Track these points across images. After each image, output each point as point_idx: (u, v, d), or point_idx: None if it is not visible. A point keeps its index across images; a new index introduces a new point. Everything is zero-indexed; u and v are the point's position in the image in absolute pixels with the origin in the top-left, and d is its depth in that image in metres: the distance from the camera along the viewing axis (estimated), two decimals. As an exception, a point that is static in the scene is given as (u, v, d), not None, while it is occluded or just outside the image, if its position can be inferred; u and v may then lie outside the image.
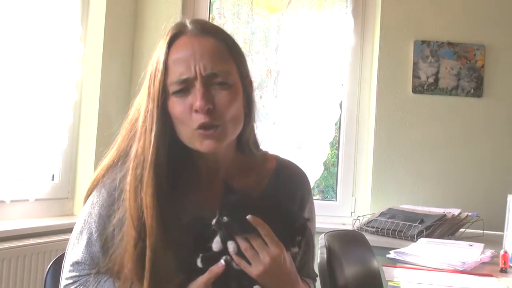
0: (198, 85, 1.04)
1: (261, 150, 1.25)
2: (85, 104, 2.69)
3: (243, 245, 1.01)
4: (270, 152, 1.29)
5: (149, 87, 1.08)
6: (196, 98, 1.04)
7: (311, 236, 1.27)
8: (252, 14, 3.21)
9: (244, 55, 1.16)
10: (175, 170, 1.10)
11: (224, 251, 1.03)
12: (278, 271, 1.03)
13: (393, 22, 2.99)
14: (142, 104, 1.11)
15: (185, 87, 1.06)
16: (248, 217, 0.99)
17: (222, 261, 1.02)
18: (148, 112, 1.07)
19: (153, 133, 1.05)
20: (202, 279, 1.03)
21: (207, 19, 3.12)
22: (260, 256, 1.01)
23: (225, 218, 1.02)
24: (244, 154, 1.19)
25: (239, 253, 1.02)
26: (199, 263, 1.05)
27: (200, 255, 1.05)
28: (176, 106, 1.06)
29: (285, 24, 3.16)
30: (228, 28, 3.16)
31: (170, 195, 1.07)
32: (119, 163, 1.14)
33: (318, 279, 1.63)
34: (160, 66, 1.06)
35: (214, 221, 1.03)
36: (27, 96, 2.30)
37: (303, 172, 1.29)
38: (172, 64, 1.06)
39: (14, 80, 2.24)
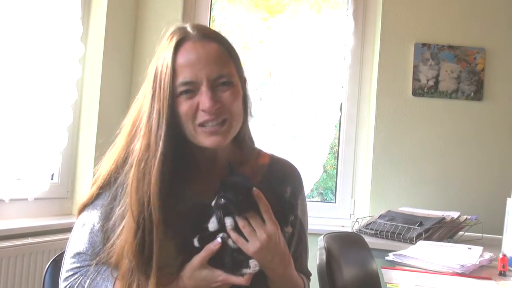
0: (204, 88, 1.11)
1: (256, 147, 1.32)
2: (85, 103, 2.69)
3: (241, 222, 1.05)
4: (265, 150, 1.36)
5: (154, 89, 1.14)
6: (203, 100, 1.11)
7: (304, 231, 1.31)
8: (252, 16, 3.21)
9: (239, 57, 1.23)
10: (175, 162, 1.15)
11: (219, 230, 1.07)
12: (273, 249, 1.07)
13: (393, 25, 2.99)
14: (144, 105, 1.16)
15: (192, 89, 1.12)
16: (254, 189, 1.05)
17: (218, 239, 1.06)
18: (155, 112, 1.12)
19: (163, 131, 1.11)
20: (197, 257, 1.08)
21: (208, 20, 3.13)
22: (257, 233, 1.05)
23: (222, 200, 1.06)
24: (240, 149, 1.26)
25: (236, 229, 1.06)
26: (196, 243, 1.09)
27: (197, 236, 1.09)
28: (183, 105, 1.12)
29: (285, 26, 3.16)
30: (228, 30, 3.16)
31: (171, 186, 1.12)
32: (121, 163, 1.19)
33: (317, 280, 1.64)
34: (167, 70, 1.12)
35: (213, 203, 1.07)
36: (27, 95, 2.30)
37: (296, 168, 1.35)
38: (179, 68, 1.12)
39: (15, 79, 2.23)
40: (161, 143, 1.10)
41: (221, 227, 1.07)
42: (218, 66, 1.12)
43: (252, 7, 3.21)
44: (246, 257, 1.06)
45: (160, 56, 1.15)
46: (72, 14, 2.51)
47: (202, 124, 1.13)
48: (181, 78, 1.11)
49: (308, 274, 1.33)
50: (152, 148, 1.11)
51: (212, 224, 1.08)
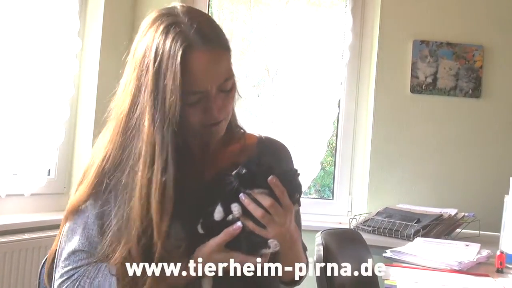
0: (213, 98, 1.11)
1: (241, 127, 1.32)
2: (82, 99, 2.68)
3: (259, 212, 1.04)
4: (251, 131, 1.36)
5: (157, 92, 1.07)
6: (211, 109, 1.11)
7: (298, 212, 1.31)
8: (250, 12, 3.21)
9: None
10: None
11: (224, 219, 1.06)
12: (289, 229, 1.09)
13: (392, 22, 2.99)
14: (140, 99, 1.11)
15: (201, 97, 1.10)
16: (270, 177, 1.03)
17: (239, 223, 1.06)
18: (159, 119, 1.07)
19: (169, 141, 1.07)
20: (215, 241, 1.06)
21: (206, 16, 3.11)
22: (276, 219, 1.05)
23: (244, 170, 1.05)
24: (228, 130, 1.24)
25: (245, 213, 1.05)
26: (200, 229, 1.09)
27: (200, 220, 1.09)
28: (191, 115, 1.11)
29: (283, 22, 3.15)
30: (227, 26, 3.15)
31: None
32: (118, 162, 1.13)
33: (314, 277, 1.63)
34: (174, 81, 1.05)
35: (234, 172, 1.06)
36: (24, 91, 2.29)
37: (285, 146, 1.38)
38: (185, 76, 1.06)
39: (11, 74, 2.23)
40: (168, 154, 1.07)
41: (227, 216, 1.06)
42: (224, 75, 1.12)
43: (250, 3, 3.20)
44: (263, 238, 1.05)
45: (159, 53, 1.08)
46: (69, 9, 2.50)
47: (208, 126, 1.14)
48: (189, 86, 1.07)
49: (304, 248, 1.33)
50: (158, 158, 1.06)
51: (218, 214, 1.07)
